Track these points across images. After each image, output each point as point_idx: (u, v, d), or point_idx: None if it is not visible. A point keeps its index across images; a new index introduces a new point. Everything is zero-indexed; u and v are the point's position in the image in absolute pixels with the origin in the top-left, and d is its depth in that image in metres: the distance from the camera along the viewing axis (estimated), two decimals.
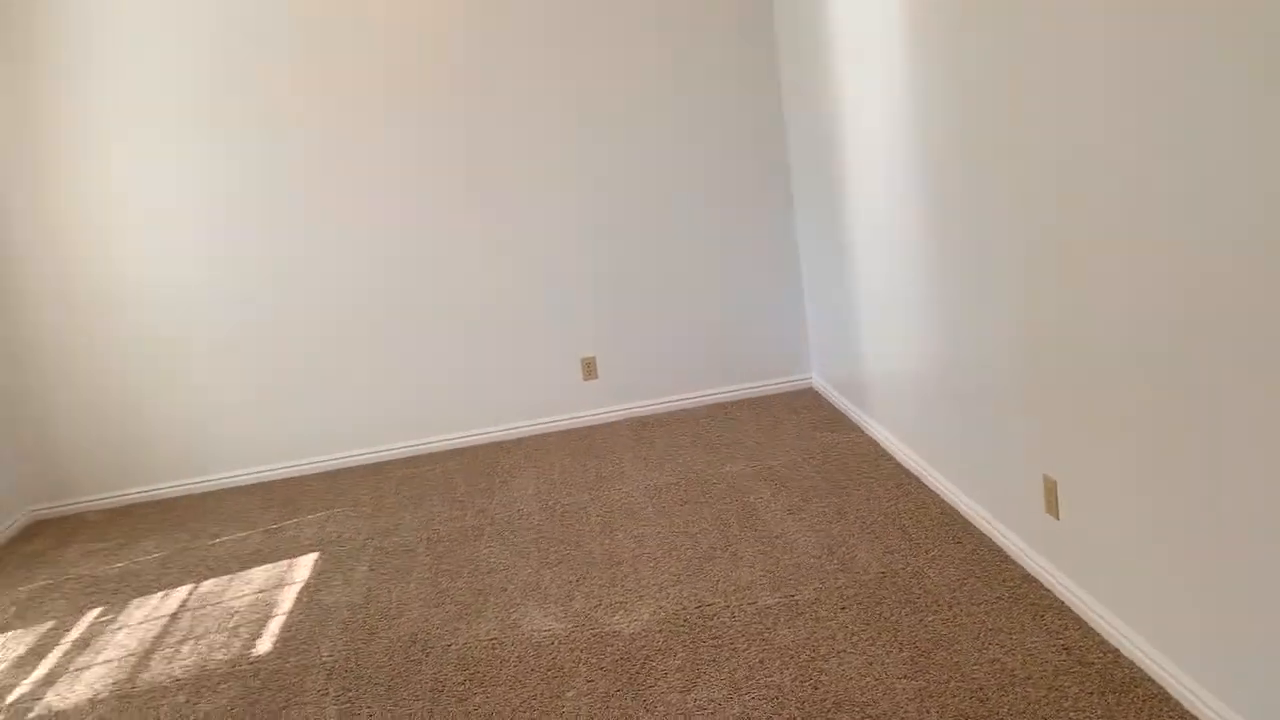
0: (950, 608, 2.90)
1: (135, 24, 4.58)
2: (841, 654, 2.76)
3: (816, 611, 2.99)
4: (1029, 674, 2.54)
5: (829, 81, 4.23)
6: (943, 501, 3.63)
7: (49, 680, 3.26)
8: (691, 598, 3.19)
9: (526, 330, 5.06)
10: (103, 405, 4.88)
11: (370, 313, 4.95)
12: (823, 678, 2.65)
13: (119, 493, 4.97)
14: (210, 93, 4.67)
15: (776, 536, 3.55)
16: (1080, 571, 2.74)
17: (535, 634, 3.11)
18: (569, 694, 2.76)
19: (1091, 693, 2.43)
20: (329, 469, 5.04)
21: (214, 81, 4.66)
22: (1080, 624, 2.72)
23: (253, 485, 4.97)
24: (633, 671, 2.82)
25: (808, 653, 2.78)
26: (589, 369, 5.15)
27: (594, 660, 2.91)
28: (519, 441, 5.07)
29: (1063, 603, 2.84)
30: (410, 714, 2.76)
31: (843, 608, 3.00)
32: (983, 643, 2.70)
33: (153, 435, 4.93)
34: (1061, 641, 2.66)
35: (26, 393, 4.84)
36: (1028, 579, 3.00)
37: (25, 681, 3.27)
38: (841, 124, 4.14)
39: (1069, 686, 2.47)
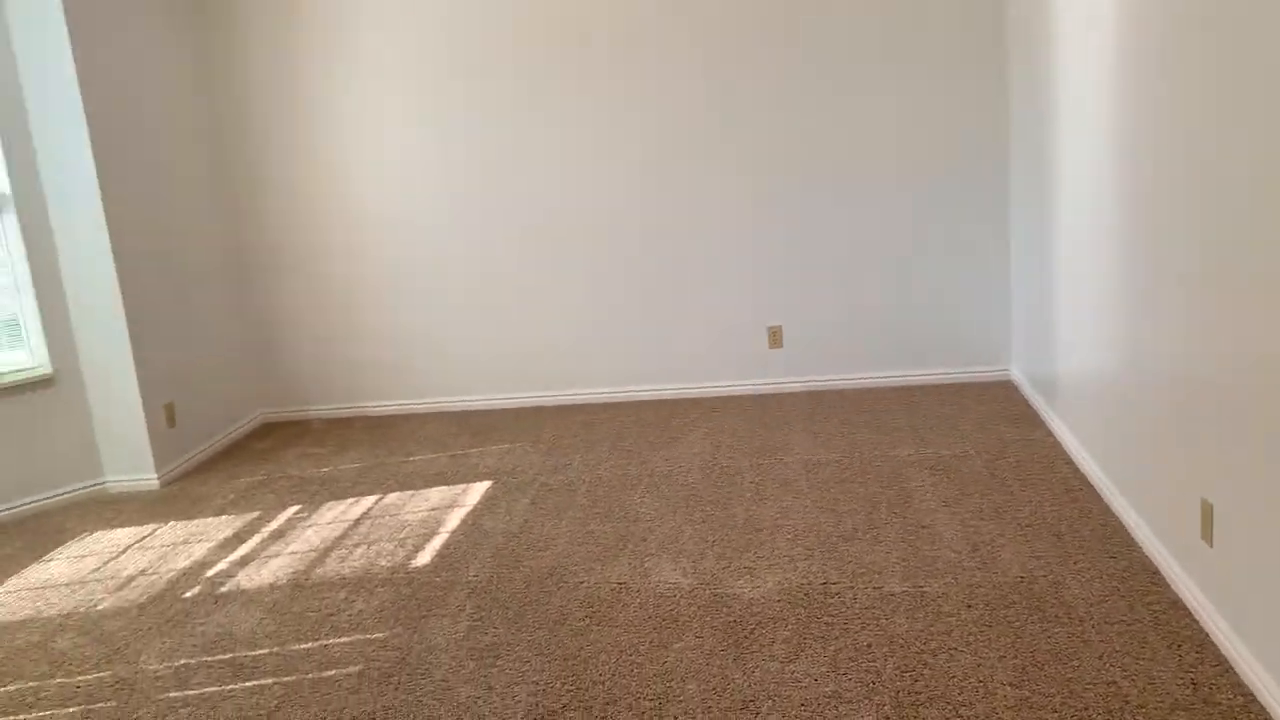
0: (1082, 622, 2.76)
1: None
2: (952, 651, 2.69)
3: (940, 606, 2.93)
4: (1143, 702, 2.39)
5: (1050, 82, 4.00)
6: (1109, 512, 3.42)
7: (243, 561, 3.71)
8: (819, 574, 3.20)
9: (719, 294, 5.13)
10: (334, 328, 5.40)
11: (580, 266, 5.18)
12: (925, 670, 2.61)
13: (340, 405, 5.50)
14: (455, 44, 5.01)
15: (924, 526, 3.47)
16: (1227, 603, 2.54)
17: (661, 585, 3.22)
18: (676, 645, 2.86)
19: None
20: (520, 406, 5.35)
21: (460, 33, 4.99)
22: (1219, 660, 2.52)
23: (453, 413, 5.36)
24: (741, 635, 2.88)
25: (918, 645, 2.74)
26: (775, 338, 5.16)
27: (708, 619, 2.99)
28: (696, 402, 5.17)
29: (1206, 635, 2.64)
30: (530, 640, 2.95)
31: (969, 605, 2.91)
32: (1105, 663, 2.56)
33: (374, 359, 5.41)
34: (1192, 675, 2.48)
35: (272, 313, 5.43)
36: (1176, 605, 2.80)
37: (225, 560, 3.74)
38: (1057, 126, 3.92)
39: None
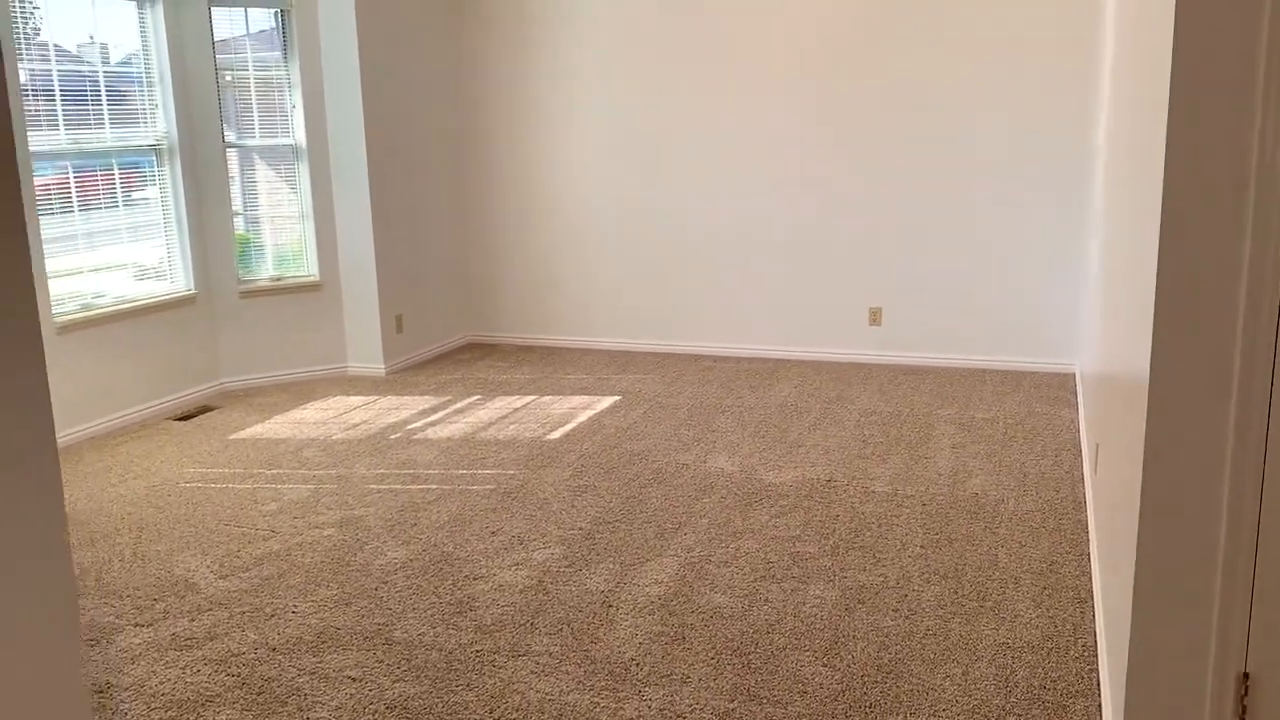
0: (997, 522, 3.75)
1: None
2: (892, 524, 3.75)
3: (902, 502, 3.97)
4: (1009, 568, 3.39)
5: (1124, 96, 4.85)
6: (1077, 467, 4.31)
7: (431, 423, 5.18)
8: (826, 474, 4.29)
9: (831, 276, 6.20)
10: (532, 274, 6.86)
11: (720, 245, 6.39)
12: (866, 533, 3.69)
13: (527, 334, 6.96)
14: (632, 60, 6.33)
15: (926, 457, 4.48)
16: (1101, 516, 3.47)
17: (711, 468, 4.41)
18: (705, 500, 4.05)
19: None
20: (657, 350, 6.62)
21: (631, 50, 6.31)
22: (1082, 553, 3.47)
23: (607, 350, 6.70)
24: (752, 501, 4.03)
25: (872, 520, 3.80)
26: (875, 317, 6.17)
27: (735, 489, 4.16)
28: (798, 362, 6.27)
29: (1087, 539, 3.57)
30: (609, 486, 4.22)
31: (924, 504, 3.94)
32: (997, 544, 3.56)
33: (558, 302, 6.83)
34: (1054, 557, 3.44)
35: (485, 255, 6.95)
36: (1080, 523, 3.73)
37: (419, 421, 5.22)
38: (1114, 137, 4.77)
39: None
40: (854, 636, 2.99)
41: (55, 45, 4.92)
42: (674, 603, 3.22)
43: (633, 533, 3.77)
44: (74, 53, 5.05)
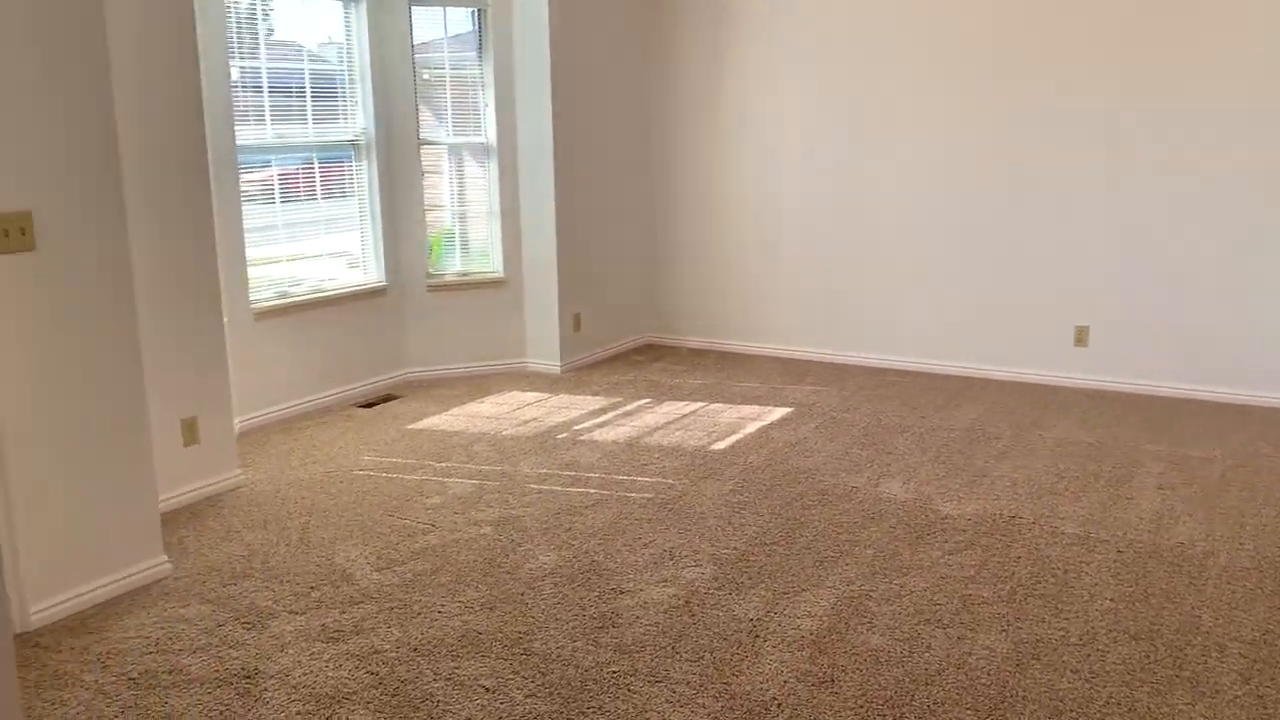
0: (1204, 580, 3.32)
1: None
2: (1080, 571, 3.39)
3: (1094, 547, 3.59)
4: (1217, 634, 2.98)
5: None
6: None
7: (598, 425, 5.13)
8: (1011, 510, 3.95)
9: (1035, 284, 5.75)
10: (712, 279, 6.73)
11: (917, 255, 6.06)
12: (1049, 579, 3.34)
13: (703, 338, 6.84)
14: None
15: (1128, 498, 4.05)
16: None
17: (883, 494, 4.14)
18: (871, 528, 3.80)
19: None
20: (838, 362, 6.34)
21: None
22: None
23: (782, 358, 6.48)
24: (923, 533, 3.75)
25: (1057, 565, 3.45)
26: (1081, 336, 5.68)
27: (905, 519, 3.88)
28: (990, 381, 5.84)
29: None
30: (769, 505, 4.03)
31: (1119, 551, 3.55)
32: (1206, 609, 3.15)
33: (735, 306, 6.68)
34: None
35: (665, 258, 6.87)
36: None
37: (587, 422, 5.19)
38: None
39: None
40: (1024, 698, 2.70)
41: (267, 43, 5.16)
42: (826, 640, 3.01)
43: (790, 558, 3.57)
44: (283, 51, 5.29)
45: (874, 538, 3.72)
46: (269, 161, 5.24)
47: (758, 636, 3.04)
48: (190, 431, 4.14)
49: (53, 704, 2.74)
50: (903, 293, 6.12)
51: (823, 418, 5.21)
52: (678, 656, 2.93)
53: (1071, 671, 2.82)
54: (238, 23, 4.93)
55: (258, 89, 5.12)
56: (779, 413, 5.31)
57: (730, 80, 6.42)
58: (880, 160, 6.04)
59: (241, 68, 5.00)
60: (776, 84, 6.28)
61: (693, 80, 6.56)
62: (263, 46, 5.13)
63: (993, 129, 5.70)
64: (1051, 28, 5.46)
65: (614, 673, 2.85)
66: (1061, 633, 3.03)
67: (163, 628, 3.14)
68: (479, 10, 5.91)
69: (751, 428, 5.06)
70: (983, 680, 2.78)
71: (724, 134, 6.52)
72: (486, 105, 6.02)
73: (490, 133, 6.05)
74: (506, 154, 6.09)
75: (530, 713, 2.67)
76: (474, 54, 6.00)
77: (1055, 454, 4.60)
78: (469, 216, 6.21)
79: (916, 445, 4.76)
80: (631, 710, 2.67)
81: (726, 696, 2.73)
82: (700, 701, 2.71)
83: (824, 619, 3.13)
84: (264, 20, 5.14)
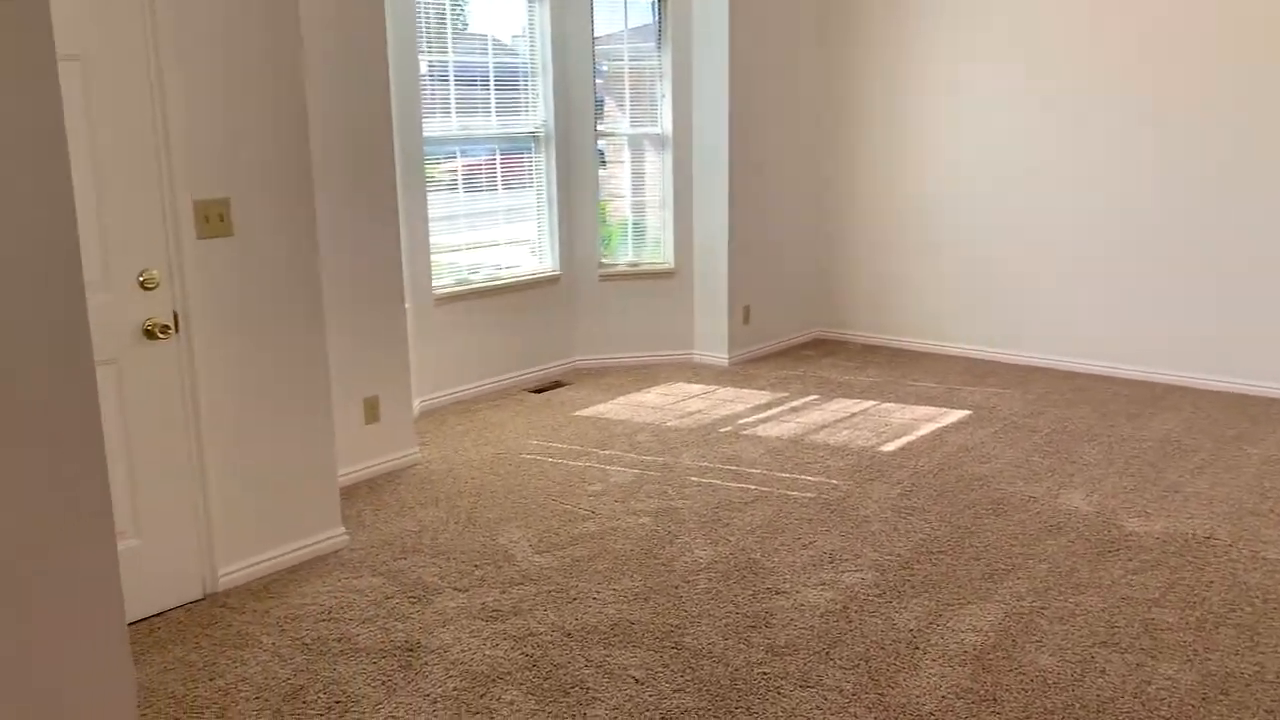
0: None
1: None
2: None
3: None
4: None
5: None
6: None
7: (763, 420, 5.06)
8: (1207, 529, 3.64)
9: (1248, 282, 5.29)
10: (887, 272, 6.54)
11: (1105, 252, 5.69)
12: (1246, 608, 3.07)
13: (877, 334, 6.65)
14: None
15: None
16: None
17: (1064, 506, 3.91)
18: (1049, 542, 3.59)
19: None
20: (1024, 363, 6.03)
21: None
22: None
23: (960, 357, 6.22)
24: (1106, 550, 3.52)
25: (1257, 593, 3.16)
26: None
27: (1085, 534, 3.65)
28: (1188, 390, 5.42)
29: None
30: (939, 511, 3.87)
31: None
32: None
33: (912, 302, 6.46)
34: None
35: (839, 251, 6.72)
36: None
37: (752, 416, 5.13)
38: None
39: None
40: None
41: (454, 37, 5.34)
42: (991, 656, 2.87)
43: (957, 568, 3.42)
44: (469, 45, 5.46)
45: (1050, 551, 3.52)
46: (454, 153, 5.42)
47: (917, 648, 2.92)
48: (372, 410, 4.34)
49: (234, 662, 2.93)
50: (1096, 290, 5.75)
51: (1003, 422, 4.97)
52: (832, 662, 2.86)
53: (1265, 711, 2.58)
54: (426, 17, 5.12)
55: (444, 81, 5.31)
56: (956, 415, 5.10)
57: (906, 80, 6.20)
58: (1072, 157, 5.69)
59: (430, 61, 5.19)
60: (952, 87, 6.01)
61: (869, 76, 6.37)
62: (450, 40, 5.30)
63: (1200, 123, 5.27)
64: (1251, 30, 5.00)
65: (764, 674, 2.81)
66: (1256, 667, 2.78)
67: (336, 597, 3.31)
68: (659, 0, 5.93)
69: (925, 430, 4.88)
70: (1162, 712, 2.58)
71: (900, 131, 6.30)
72: (663, 96, 6.04)
73: (666, 123, 6.06)
74: (681, 145, 6.08)
75: (677, 707, 2.66)
76: (653, 44, 6.03)
77: (1261, 471, 4.22)
78: (642, 207, 6.25)
79: (1104, 455, 4.47)
80: (780, 713, 2.62)
81: (880, 708, 2.64)
82: (852, 711, 2.63)
83: (990, 634, 2.98)
84: (455, 16, 5.31)
